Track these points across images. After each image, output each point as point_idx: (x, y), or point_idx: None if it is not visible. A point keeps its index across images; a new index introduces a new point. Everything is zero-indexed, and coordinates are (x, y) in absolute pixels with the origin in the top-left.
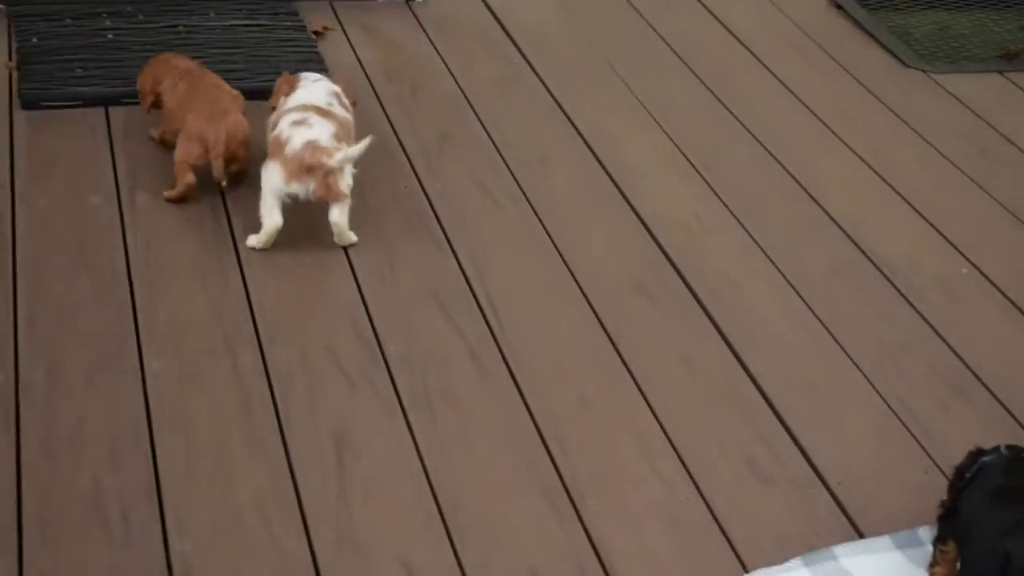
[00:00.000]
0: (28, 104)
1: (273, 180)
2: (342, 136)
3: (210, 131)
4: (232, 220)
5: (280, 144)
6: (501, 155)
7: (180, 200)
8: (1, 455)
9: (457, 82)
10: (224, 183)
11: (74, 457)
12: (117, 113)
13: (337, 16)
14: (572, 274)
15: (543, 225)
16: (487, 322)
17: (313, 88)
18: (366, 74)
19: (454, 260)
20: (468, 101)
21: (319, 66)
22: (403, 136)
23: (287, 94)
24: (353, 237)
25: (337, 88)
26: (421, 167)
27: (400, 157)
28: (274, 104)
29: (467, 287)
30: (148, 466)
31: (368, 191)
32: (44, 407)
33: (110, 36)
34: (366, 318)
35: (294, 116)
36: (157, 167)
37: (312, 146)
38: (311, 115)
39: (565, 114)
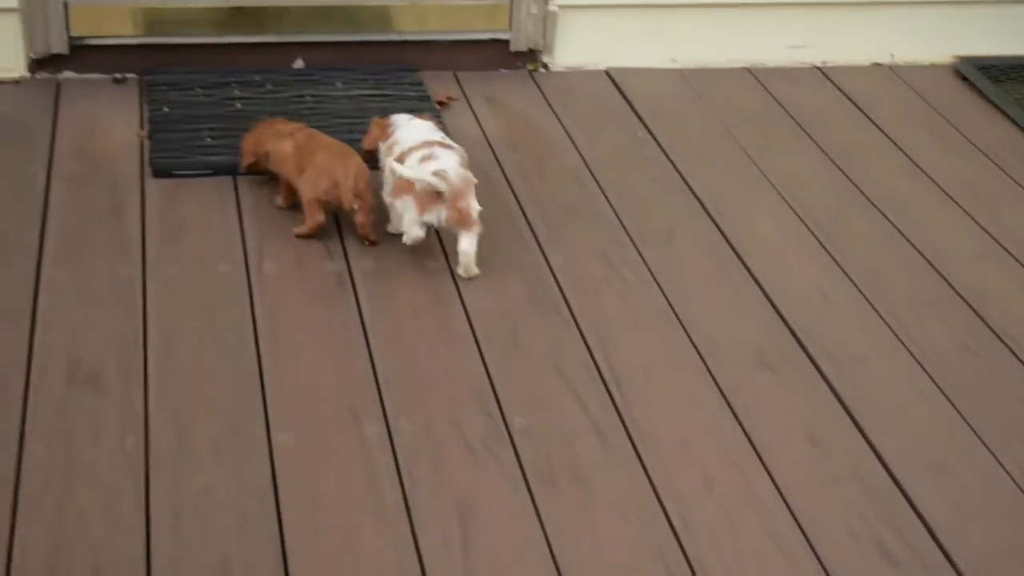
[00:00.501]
0: (159, 172)
1: (408, 214)
2: (466, 164)
3: (339, 166)
4: (358, 290)
5: (410, 180)
6: (624, 227)
7: (309, 236)
8: (131, 523)
9: (580, 153)
10: (354, 208)
11: (202, 527)
12: (245, 181)
13: (461, 86)
14: (695, 346)
15: (666, 297)
16: (611, 396)
17: (418, 126)
18: (489, 144)
19: (577, 332)
20: (591, 173)
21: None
22: (527, 207)
23: (386, 138)
24: (476, 270)
25: (430, 124)
26: (544, 238)
27: (524, 229)
28: (368, 147)
29: (590, 360)
30: (275, 538)
31: (491, 260)
32: (173, 475)
33: (239, 105)
34: (490, 391)
35: (419, 154)
36: (284, 236)
37: (441, 175)
38: (435, 149)
39: (688, 186)
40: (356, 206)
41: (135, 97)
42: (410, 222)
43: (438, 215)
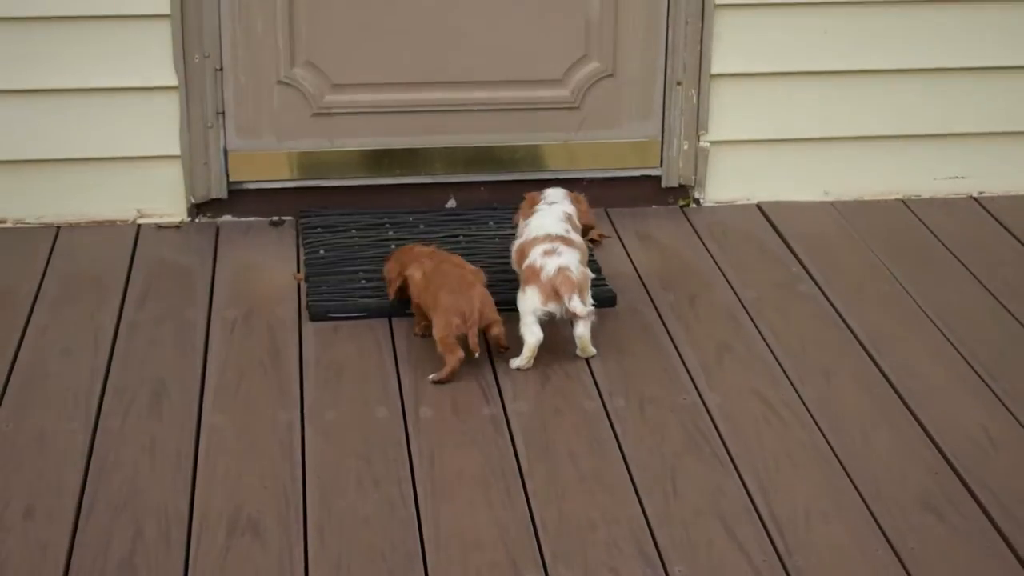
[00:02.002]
0: (316, 316)
1: (531, 302)
2: (583, 260)
3: (463, 301)
4: (514, 433)
5: (535, 271)
6: (781, 366)
7: (449, 379)
8: None
9: (734, 290)
10: (476, 354)
11: None
12: (400, 324)
13: (612, 223)
14: (857, 489)
15: (825, 438)
16: (772, 542)
17: (549, 214)
18: (642, 281)
19: (736, 475)
20: (746, 309)
21: (596, 275)
22: (681, 346)
23: (527, 216)
24: (593, 350)
25: (571, 210)
26: (700, 378)
27: (679, 368)
28: (515, 222)
29: (750, 504)
30: None
31: (647, 404)
32: None
33: (393, 247)
34: (649, 536)
35: (544, 247)
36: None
37: (564, 272)
38: (559, 245)
39: (844, 322)
40: (493, 330)
41: (292, 239)
42: (529, 312)
43: (560, 307)
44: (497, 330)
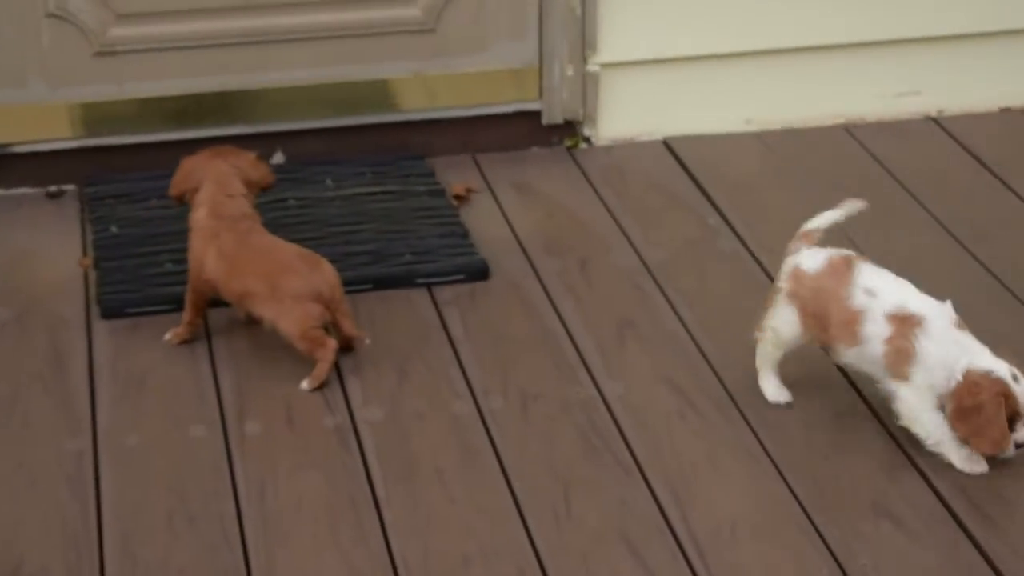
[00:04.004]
0: (109, 312)
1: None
2: None
3: (316, 279)
4: (365, 450)
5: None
6: (697, 345)
7: (323, 382)
8: None
9: (637, 251)
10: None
11: None
12: (219, 317)
13: (482, 173)
14: (795, 495)
15: (755, 433)
16: (691, 567)
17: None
18: (522, 246)
19: (645, 487)
20: (652, 276)
21: (462, 240)
22: (572, 326)
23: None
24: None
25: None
26: (597, 366)
27: (570, 354)
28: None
29: (663, 522)
30: None
31: (531, 402)
32: None
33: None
34: (539, 572)
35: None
36: (270, 384)
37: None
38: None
39: None
40: (344, 322)
41: (75, 215)
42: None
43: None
44: (348, 323)
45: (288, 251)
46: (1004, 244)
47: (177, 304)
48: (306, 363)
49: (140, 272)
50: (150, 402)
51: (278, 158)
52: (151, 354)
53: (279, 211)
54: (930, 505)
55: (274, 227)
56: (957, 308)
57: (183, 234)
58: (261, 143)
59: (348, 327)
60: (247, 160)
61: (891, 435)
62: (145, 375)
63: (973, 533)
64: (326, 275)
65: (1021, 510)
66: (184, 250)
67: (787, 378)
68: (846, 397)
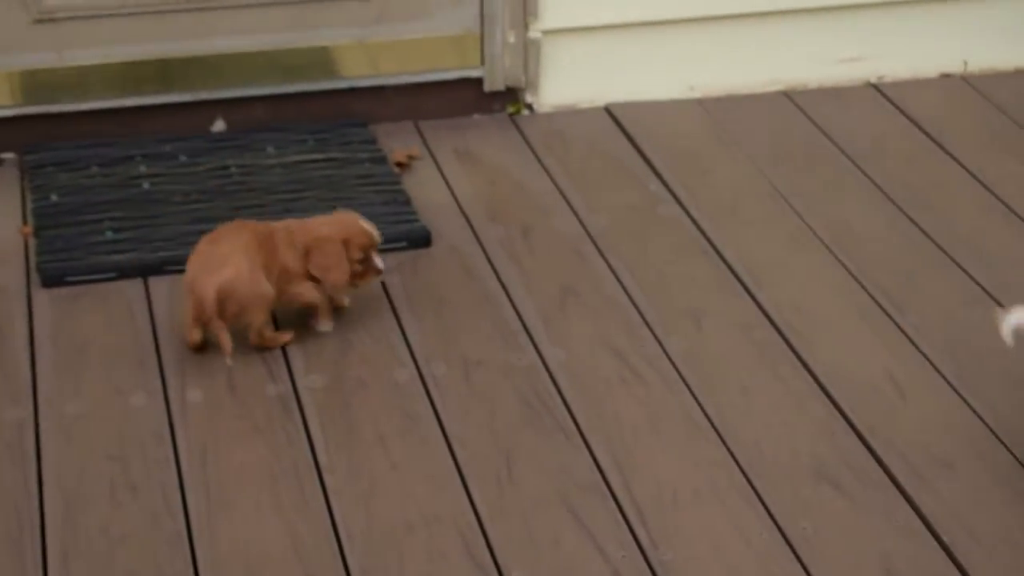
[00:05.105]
0: (49, 280)
1: None
2: None
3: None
4: (308, 418)
5: None
6: (639, 310)
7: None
8: None
9: (579, 218)
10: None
11: None
12: (159, 285)
13: (424, 140)
14: (736, 461)
15: (695, 398)
16: (633, 534)
17: None
18: (463, 212)
19: (587, 452)
20: (593, 242)
21: (404, 207)
22: (514, 293)
23: None
24: None
25: None
26: (539, 332)
27: (512, 320)
28: None
29: (606, 488)
30: None
31: (473, 368)
32: None
33: (146, 186)
34: (481, 538)
35: None
36: (212, 352)
37: None
38: None
39: (717, 252)
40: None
41: (15, 183)
42: None
43: None
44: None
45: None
46: (943, 209)
47: (119, 272)
48: (244, 333)
49: (81, 240)
50: (91, 370)
51: (219, 125)
52: (92, 322)
53: (221, 179)
54: (869, 469)
55: (215, 195)
56: (897, 273)
57: (124, 202)
58: (203, 110)
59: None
60: None
61: (832, 402)
62: (86, 343)
63: (911, 496)
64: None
65: (958, 472)
66: (125, 217)
67: (723, 348)
68: (788, 365)
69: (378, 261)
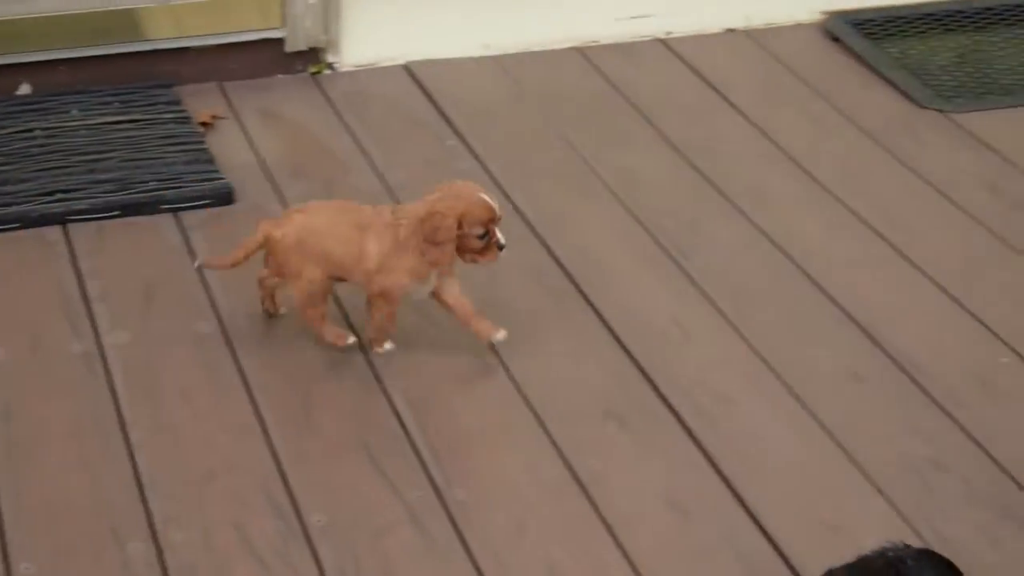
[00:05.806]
0: None
1: None
2: None
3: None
4: (112, 373)
5: None
6: None
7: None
8: None
9: (379, 173)
10: None
11: None
12: None
13: (228, 100)
14: (527, 402)
15: (495, 351)
16: (429, 475)
17: None
18: (267, 171)
19: (384, 398)
20: (393, 196)
21: (208, 166)
22: None
23: None
24: None
25: None
26: (340, 283)
27: None
28: None
29: (401, 431)
30: None
31: (276, 318)
32: None
33: None
34: (280, 482)
35: None
36: (16, 310)
37: None
38: None
39: (511, 201)
40: None
41: None
42: None
43: None
44: None
45: None
46: (726, 158)
47: None
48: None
49: None
50: None
51: (24, 89)
52: None
53: (25, 141)
54: (655, 408)
55: (20, 158)
56: (682, 219)
57: None
58: (7, 74)
59: None
60: None
61: (621, 345)
62: None
63: (694, 431)
64: None
65: (739, 409)
66: None
67: (515, 294)
68: (579, 311)
69: (500, 236)
